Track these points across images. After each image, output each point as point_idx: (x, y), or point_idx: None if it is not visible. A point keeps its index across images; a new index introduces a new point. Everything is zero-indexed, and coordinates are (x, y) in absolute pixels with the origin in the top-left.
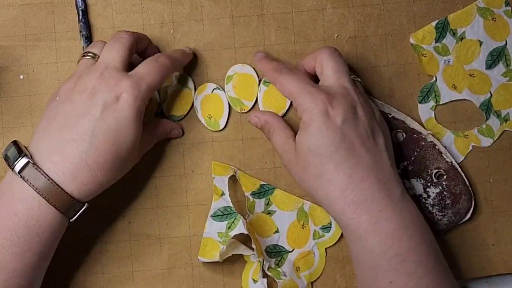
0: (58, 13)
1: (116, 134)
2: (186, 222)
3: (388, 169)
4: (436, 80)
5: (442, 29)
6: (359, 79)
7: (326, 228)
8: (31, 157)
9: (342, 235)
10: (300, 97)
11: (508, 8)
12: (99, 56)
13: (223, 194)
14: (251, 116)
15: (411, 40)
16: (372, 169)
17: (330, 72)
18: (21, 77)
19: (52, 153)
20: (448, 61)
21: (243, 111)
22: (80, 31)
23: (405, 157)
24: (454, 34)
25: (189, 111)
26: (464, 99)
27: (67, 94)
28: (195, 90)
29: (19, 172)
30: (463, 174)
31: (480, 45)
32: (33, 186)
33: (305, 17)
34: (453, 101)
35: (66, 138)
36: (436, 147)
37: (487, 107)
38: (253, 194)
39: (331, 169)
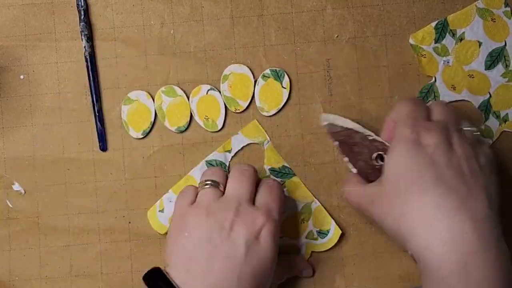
0: (59, 13)
1: (258, 275)
2: None
3: (485, 208)
4: (435, 80)
5: (442, 30)
6: (474, 128)
7: (323, 233)
8: None
9: (335, 245)
10: (401, 122)
11: (508, 9)
12: (221, 185)
13: (229, 151)
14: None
15: (411, 41)
16: (464, 203)
17: (438, 114)
18: (22, 77)
19: None
20: (448, 62)
21: (238, 111)
22: (82, 31)
23: None
24: (453, 34)
25: (191, 116)
26: (463, 100)
27: (201, 229)
28: (187, 94)
29: None
30: None
31: (480, 45)
32: None
33: (305, 17)
34: (452, 101)
35: (211, 282)
36: None
37: (486, 108)
38: (272, 170)
39: (417, 195)
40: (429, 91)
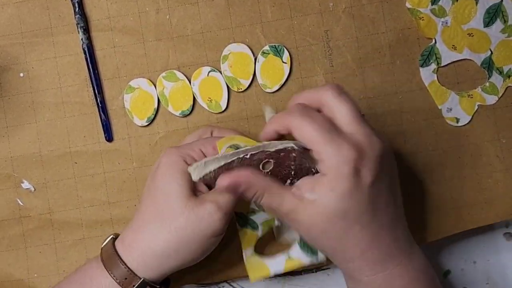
0: (53, 8)
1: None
2: None
3: (403, 222)
4: (435, 42)
5: None
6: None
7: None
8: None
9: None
10: (322, 147)
11: None
12: None
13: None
14: (219, 180)
15: (408, 5)
16: (391, 227)
17: (347, 118)
18: (21, 75)
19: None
20: (446, 23)
21: (240, 90)
22: (78, 24)
23: (287, 176)
24: None
25: (194, 100)
26: (465, 59)
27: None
28: (188, 77)
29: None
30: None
31: (476, 3)
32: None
33: None
34: (454, 62)
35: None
36: (295, 147)
37: (488, 65)
38: None
39: (356, 232)
40: (430, 54)
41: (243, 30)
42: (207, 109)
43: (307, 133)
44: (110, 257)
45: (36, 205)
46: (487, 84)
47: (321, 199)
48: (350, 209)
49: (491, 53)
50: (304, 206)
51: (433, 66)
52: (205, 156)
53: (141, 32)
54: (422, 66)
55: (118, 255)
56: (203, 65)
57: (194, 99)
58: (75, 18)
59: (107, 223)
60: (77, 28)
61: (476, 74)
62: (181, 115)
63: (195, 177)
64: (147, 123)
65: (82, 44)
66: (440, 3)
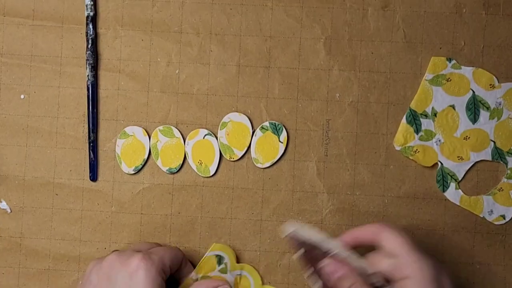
0: (67, 38)
1: None
2: None
3: None
4: (441, 164)
5: (414, 119)
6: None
7: None
8: None
9: None
10: (407, 256)
11: (453, 61)
12: None
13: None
14: (327, 264)
15: (397, 147)
16: None
17: (407, 247)
18: (22, 96)
19: None
20: (439, 140)
21: (232, 159)
22: (87, 60)
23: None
24: (426, 115)
25: (184, 158)
26: (476, 162)
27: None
28: (183, 136)
29: None
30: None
31: (454, 108)
32: None
33: (311, 75)
34: (469, 170)
35: None
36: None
37: (498, 155)
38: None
39: None
40: (443, 176)
41: (247, 101)
42: (196, 171)
43: (395, 239)
44: None
45: (8, 226)
46: (508, 171)
47: None
48: None
49: (494, 143)
50: None
51: (453, 184)
52: (171, 269)
53: (148, 80)
54: (444, 191)
55: None
56: (201, 127)
57: (185, 158)
58: (86, 53)
59: (74, 260)
60: (86, 64)
61: (494, 168)
62: (168, 172)
63: (288, 230)
64: (133, 172)
65: (87, 81)
66: (423, 128)
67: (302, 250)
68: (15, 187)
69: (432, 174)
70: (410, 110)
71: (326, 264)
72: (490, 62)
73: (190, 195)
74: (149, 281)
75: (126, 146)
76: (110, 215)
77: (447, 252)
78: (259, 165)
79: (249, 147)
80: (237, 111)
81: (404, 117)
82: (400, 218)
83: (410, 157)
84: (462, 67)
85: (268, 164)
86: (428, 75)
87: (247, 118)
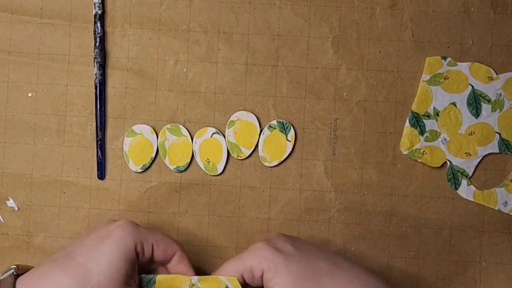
0: (75, 36)
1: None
2: None
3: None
4: (450, 162)
5: (417, 121)
6: None
7: None
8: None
9: None
10: (247, 261)
11: (449, 59)
12: None
13: None
14: None
15: (404, 152)
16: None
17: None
18: (30, 94)
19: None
20: (445, 139)
21: (239, 158)
22: (95, 58)
23: None
24: (428, 116)
25: (192, 157)
26: (484, 156)
27: None
28: (191, 134)
29: None
30: None
31: (455, 105)
32: None
33: (318, 74)
34: (478, 165)
35: None
36: None
37: (506, 146)
38: None
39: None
40: (454, 174)
41: (255, 100)
42: (203, 169)
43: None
44: None
45: (16, 224)
46: None
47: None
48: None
49: (499, 134)
50: None
51: (464, 181)
52: (153, 254)
53: (156, 79)
54: (456, 189)
55: None
56: (209, 125)
57: (193, 156)
58: (94, 51)
59: None
60: (94, 62)
61: (502, 161)
62: (175, 170)
63: None
64: (141, 170)
65: (95, 79)
66: (427, 129)
67: None
68: (23, 185)
69: (440, 173)
70: (412, 113)
71: None
72: (498, 61)
73: (198, 193)
74: (120, 245)
75: (134, 144)
76: (118, 213)
77: (454, 251)
78: (266, 164)
79: (256, 145)
80: (244, 110)
81: (407, 120)
82: (408, 217)
83: (419, 160)
84: (458, 63)
85: (275, 163)
86: (425, 76)
87: (254, 117)
